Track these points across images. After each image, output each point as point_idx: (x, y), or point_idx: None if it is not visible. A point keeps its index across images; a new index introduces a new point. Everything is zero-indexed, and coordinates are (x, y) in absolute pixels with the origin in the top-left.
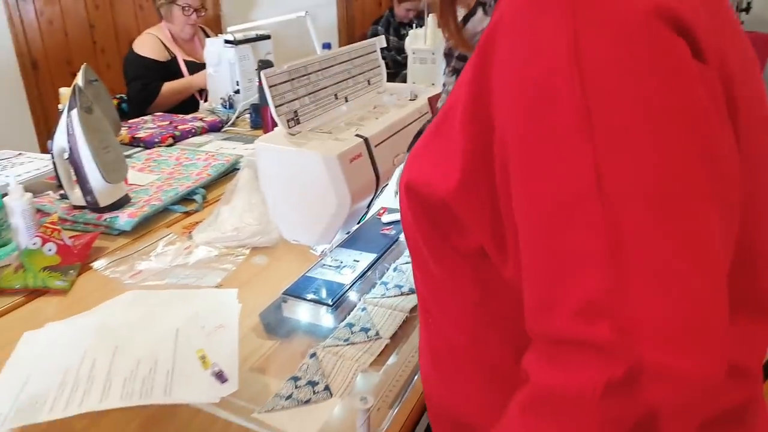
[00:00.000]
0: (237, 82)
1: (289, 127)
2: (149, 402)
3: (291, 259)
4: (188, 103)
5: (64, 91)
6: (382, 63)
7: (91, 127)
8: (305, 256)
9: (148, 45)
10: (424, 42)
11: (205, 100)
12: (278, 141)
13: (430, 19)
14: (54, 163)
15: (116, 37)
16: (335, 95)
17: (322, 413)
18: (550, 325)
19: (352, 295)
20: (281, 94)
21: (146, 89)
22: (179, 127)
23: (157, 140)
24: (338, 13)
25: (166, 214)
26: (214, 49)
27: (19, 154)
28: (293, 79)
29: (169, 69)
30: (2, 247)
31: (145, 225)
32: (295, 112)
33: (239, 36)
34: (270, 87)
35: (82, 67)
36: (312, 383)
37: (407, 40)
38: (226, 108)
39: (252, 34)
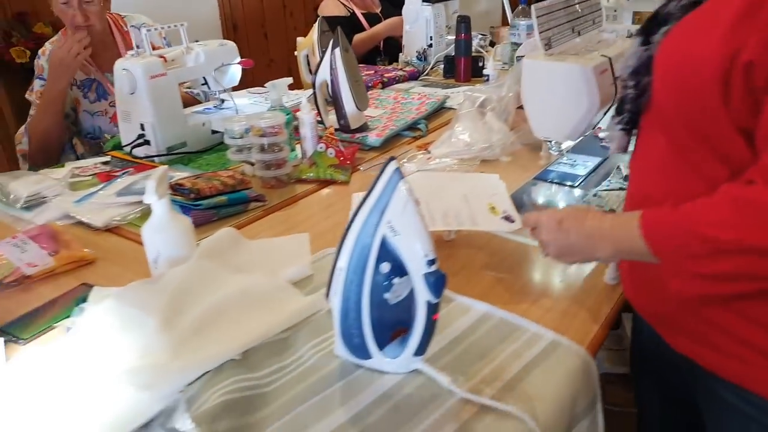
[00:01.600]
0: (430, 37)
1: (546, 49)
2: (464, 228)
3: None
4: (373, 52)
5: (300, 40)
6: (603, 7)
7: (348, 63)
8: (522, 165)
9: (330, 6)
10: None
11: (400, 51)
12: (540, 58)
13: None
14: (314, 93)
15: (303, 2)
16: (572, 29)
17: None
18: None
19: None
20: (541, 24)
21: None
22: (385, 75)
23: (370, 84)
24: None
25: (398, 138)
26: (412, 7)
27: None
28: (547, 14)
29: (350, 22)
30: (292, 151)
31: (386, 144)
32: (549, 38)
33: None
34: (537, 17)
35: (318, 19)
36: None
37: None
38: (420, 60)
39: None
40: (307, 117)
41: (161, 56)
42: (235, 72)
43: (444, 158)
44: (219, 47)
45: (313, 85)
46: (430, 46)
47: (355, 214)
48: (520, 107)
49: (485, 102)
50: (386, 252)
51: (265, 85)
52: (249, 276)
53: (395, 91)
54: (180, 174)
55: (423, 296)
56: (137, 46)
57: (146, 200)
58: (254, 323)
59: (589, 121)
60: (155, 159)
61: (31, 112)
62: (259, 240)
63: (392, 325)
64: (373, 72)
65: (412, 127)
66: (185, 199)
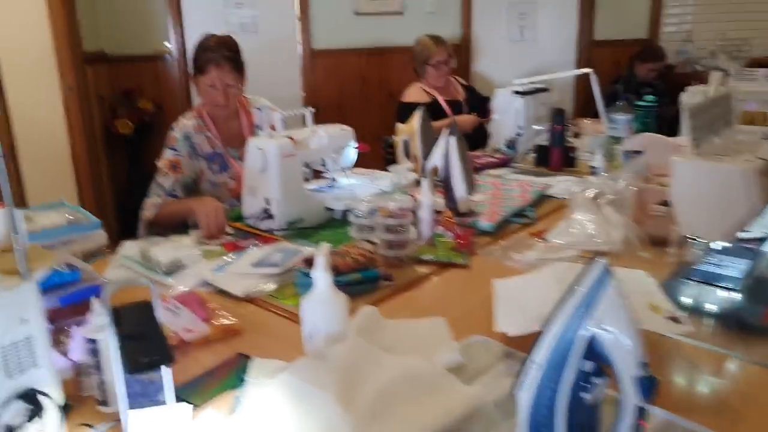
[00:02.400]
0: (520, 126)
1: (695, 149)
2: None
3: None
4: None
5: (401, 126)
6: (734, 110)
7: (461, 150)
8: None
9: (413, 93)
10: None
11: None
12: (693, 159)
13: (714, 77)
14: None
15: (380, 88)
16: (711, 128)
17: None
18: None
19: None
20: (693, 124)
21: None
22: (478, 161)
23: None
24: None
25: (506, 225)
26: (502, 98)
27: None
28: (698, 115)
29: (433, 109)
30: None
31: (497, 230)
32: (699, 139)
33: (524, 88)
34: (690, 117)
35: (418, 111)
36: None
37: (684, 96)
38: (510, 148)
39: (531, 87)
40: (426, 200)
41: (291, 138)
42: (352, 154)
43: (567, 249)
44: (340, 131)
45: (422, 170)
46: (519, 135)
47: (556, 309)
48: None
49: (597, 195)
50: (592, 351)
51: (388, 168)
52: (409, 359)
53: (490, 176)
54: (306, 249)
55: (631, 400)
56: (258, 127)
57: (314, 275)
58: (426, 412)
59: (745, 222)
60: (276, 232)
61: (159, 179)
62: (397, 320)
63: (586, 429)
64: None
65: (520, 214)
66: None
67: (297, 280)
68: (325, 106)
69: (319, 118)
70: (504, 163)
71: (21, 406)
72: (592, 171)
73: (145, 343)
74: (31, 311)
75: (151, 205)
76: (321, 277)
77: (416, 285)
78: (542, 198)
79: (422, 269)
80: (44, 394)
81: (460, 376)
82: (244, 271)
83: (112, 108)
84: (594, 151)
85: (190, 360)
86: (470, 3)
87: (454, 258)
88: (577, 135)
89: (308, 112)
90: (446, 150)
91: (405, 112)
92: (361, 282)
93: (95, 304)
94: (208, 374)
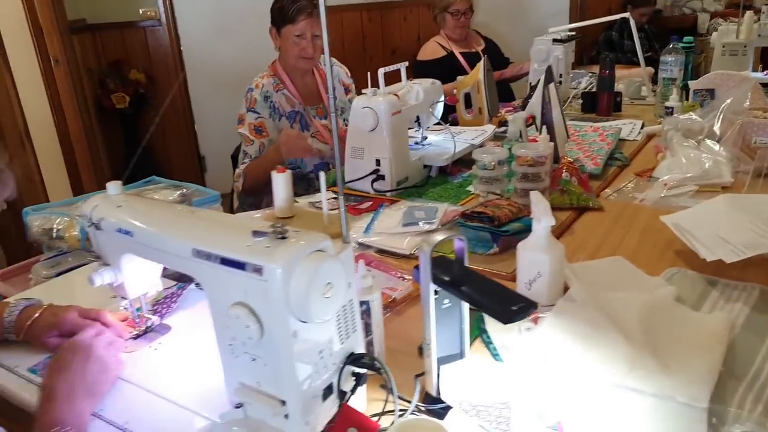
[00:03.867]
0: (560, 74)
1: None
2: None
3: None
4: None
5: (461, 79)
6: None
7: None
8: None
9: (427, 50)
10: (736, 36)
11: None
12: None
13: (747, 16)
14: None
15: (382, 45)
16: None
17: None
18: None
19: None
20: None
21: None
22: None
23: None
24: (570, 17)
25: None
26: (542, 47)
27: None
28: None
29: (444, 63)
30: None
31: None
32: None
33: (562, 36)
34: None
35: (483, 58)
36: None
37: (715, 35)
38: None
39: (565, 35)
40: (548, 148)
41: (395, 94)
42: (440, 109)
43: (683, 186)
44: (431, 85)
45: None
46: (560, 83)
47: None
48: None
49: (691, 132)
50: None
51: (508, 118)
52: (638, 296)
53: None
54: (440, 204)
55: None
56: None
57: (542, 222)
58: (699, 343)
59: None
60: (388, 194)
61: (245, 148)
62: (582, 263)
63: None
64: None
65: (612, 156)
66: (492, 226)
67: (462, 234)
68: None
69: None
70: None
71: (350, 371)
72: (667, 111)
73: (495, 294)
74: (352, 274)
75: (239, 175)
76: (543, 224)
77: (565, 231)
78: (619, 141)
79: (560, 215)
80: (372, 358)
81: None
82: (395, 231)
83: (101, 81)
84: (645, 92)
85: (407, 318)
86: None
87: (588, 202)
88: None
89: (403, 67)
90: (545, 98)
91: (420, 70)
92: (524, 231)
93: (360, 266)
94: None
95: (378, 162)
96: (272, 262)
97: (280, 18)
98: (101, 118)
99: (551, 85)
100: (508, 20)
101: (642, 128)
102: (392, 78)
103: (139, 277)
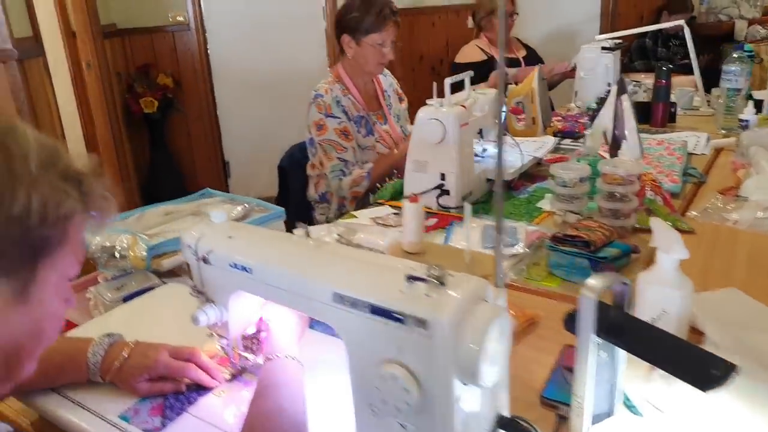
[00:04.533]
0: (608, 83)
1: None
2: None
3: None
4: None
5: (512, 88)
6: None
7: (632, 109)
8: None
9: (467, 53)
10: None
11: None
12: None
13: None
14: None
15: (410, 51)
16: None
17: None
18: None
19: None
20: None
21: None
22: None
23: (576, 129)
24: (601, 23)
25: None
26: (590, 56)
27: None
28: None
29: (483, 67)
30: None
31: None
32: None
33: (610, 44)
34: None
35: (537, 67)
36: None
37: None
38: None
39: (612, 42)
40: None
41: (463, 105)
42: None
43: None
44: (494, 95)
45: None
46: (608, 92)
47: None
48: None
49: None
50: None
51: (585, 132)
52: None
53: None
54: (518, 224)
55: None
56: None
57: (673, 254)
58: None
59: None
60: (451, 210)
61: (338, 155)
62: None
63: None
64: (560, 118)
65: (685, 173)
66: (587, 251)
67: (550, 259)
68: None
69: None
70: None
71: None
72: (743, 124)
73: (681, 351)
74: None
75: (354, 182)
76: (674, 257)
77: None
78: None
79: (646, 238)
80: (528, 423)
81: None
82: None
83: (129, 85)
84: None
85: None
86: None
87: (676, 223)
88: None
89: (467, 77)
90: (617, 111)
91: (458, 72)
92: (621, 257)
93: None
94: (566, 368)
95: (443, 176)
96: (439, 315)
97: (358, 27)
98: (127, 122)
99: (624, 96)
100: (538, 26)
101: (708, 141)
102: (420, 80)
103: (244, 314)
